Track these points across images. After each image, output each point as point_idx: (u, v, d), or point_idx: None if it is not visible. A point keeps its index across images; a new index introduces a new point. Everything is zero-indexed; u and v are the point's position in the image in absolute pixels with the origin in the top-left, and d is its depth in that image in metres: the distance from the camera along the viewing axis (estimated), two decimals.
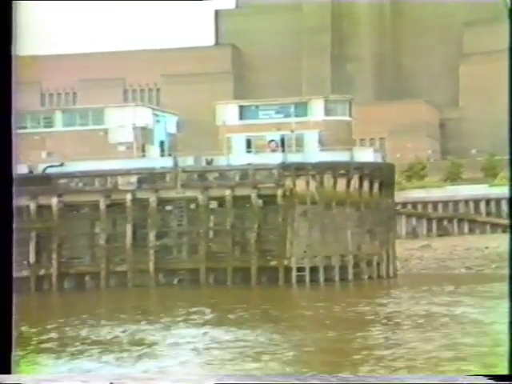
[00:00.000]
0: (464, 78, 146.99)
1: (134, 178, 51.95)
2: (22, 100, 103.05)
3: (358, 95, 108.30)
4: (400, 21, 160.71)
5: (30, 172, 55.00)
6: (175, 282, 51.56)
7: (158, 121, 55.97)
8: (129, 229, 52.29)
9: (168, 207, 52.74)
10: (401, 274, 53.24)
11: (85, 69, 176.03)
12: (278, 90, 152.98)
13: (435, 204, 77.34)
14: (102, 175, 52.51)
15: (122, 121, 54.01)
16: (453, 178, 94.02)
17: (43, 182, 54.08)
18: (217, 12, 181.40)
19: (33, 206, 54.06)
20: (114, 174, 52.35)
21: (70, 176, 53.42)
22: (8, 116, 7.62)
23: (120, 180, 52.28)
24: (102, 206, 52.63)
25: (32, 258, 54.09)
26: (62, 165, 54.48)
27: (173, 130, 58.25)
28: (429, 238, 73.28)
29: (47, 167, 54.57)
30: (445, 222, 75.61)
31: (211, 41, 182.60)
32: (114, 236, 53.55)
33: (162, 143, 56.42)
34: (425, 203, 77.69)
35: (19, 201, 54.60)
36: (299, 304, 40.96)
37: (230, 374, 20.52)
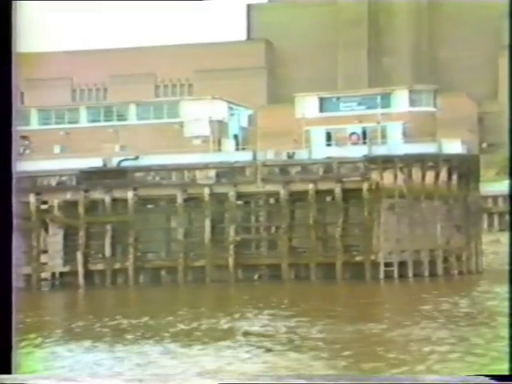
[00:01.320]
0: (503, 71, 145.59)
1: (212, 172, 51.12)
2: (53, 96, 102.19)
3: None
4: (437, 12, 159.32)
5: (104, 165, 54.41)
6: (255, 277, 50.73)
7: (232, 114, 55.16)
8: (207, 223, 51.50)
9: (247, 202, 51.96)
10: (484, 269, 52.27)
11: (116, 64, 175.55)
12: (313, 84, 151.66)
13: (495, 198, 76.23)
14: (180, 169, 51.70)
15: (198, 114, 53.20)
16: (506, 171, 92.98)
17: (118, 175, 53.39)
18: (249, 6, 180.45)
19: (108, 199, 53.43)
20: (192, 167, 51.54)
21: (147, 169, 52.68)
22: (8, 116, 7.47)
23: (198, 174, 51.47)
24: (180, 200, 51.87)
25: (108, 252, 53.50)
26: (136, 158, 53.78)
27: (245, 123, 57.39)
28: (490, 233, 72.20)
29: (122, 160, 53.88)
30: (506, 217, 74.49)
31: (242, 35, 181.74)
32: (191, 231, 52.83)
33: (235, 137, 55.58)
34: (485, 197, 76.56)
35: (94, 194, 54.16)
36: (403, 299, 40.01)
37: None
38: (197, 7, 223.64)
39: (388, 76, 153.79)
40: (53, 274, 55.05)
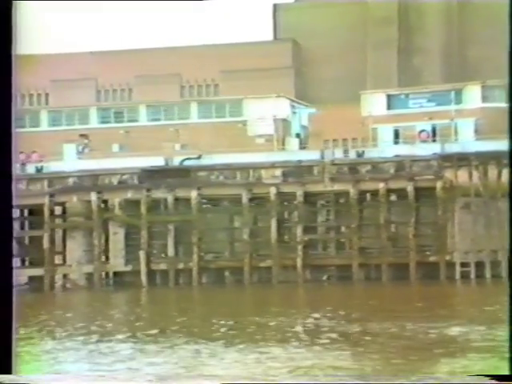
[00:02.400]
0: None
1: (278, 172, 50.39)
2: (78, 96, 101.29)
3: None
4: (467, 11, 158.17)
5: (166, 164, 53.80)
6: (324, 278, 49.96)
7: (294, 112, 54.42)
8: (273, 223, 50.78)
9: (314, 201, 51.24)
10: None
11: (141, 65, 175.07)
12: (341, 84, 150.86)
13: None
14: (245, 168, 51.00)
15: (262, 112, 52.48)
16: None
17: (181, 174, 52.76)
18: (275, 6, 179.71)
19: (170, 198, 52.82)
20: (258, 167, 50.84)
21: (211, 169, 52.01)
22: (8, 116, 7.43)
23: (264, 173, 50.75)
24: (245, 199, 51.19)
25: (170, 252, 52.90)
26: (199, 157, 53.12)
27: (305, 122, 56.65)
28: None
29: (185, 159, 53.25)
30: None
31: (268, 35, 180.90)
32: (256, 231, 52.15)
33: (298, 135, 54.83)
34: None
35: (156, 193, 53.46)
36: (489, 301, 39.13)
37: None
38: (222, 7, 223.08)
39: (418, 76, 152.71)
40: (106, 274, 54.43)
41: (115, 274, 54.17)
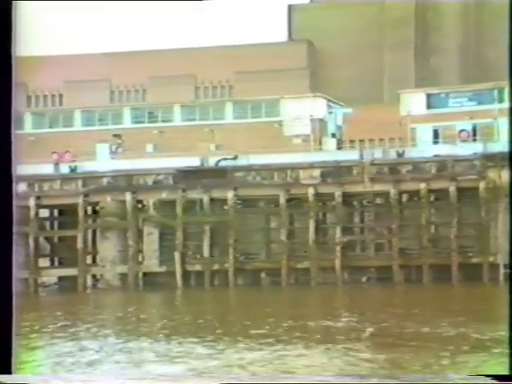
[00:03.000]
0: None
1: (317, 172, 49.92)
2: (92, 97, 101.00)
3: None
4: (484, 12, 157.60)
5: (202, 165, 53.39)
6: (364, 280, 49.48)
7: (330, 112, 53.97)
8: (311, 224, 50.31)
9: (352, 202, 50.79)
10: None
11: (155, 66, 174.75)
12: (357, 85, 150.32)
13: None
14: (282, 169, 50.54)
15: (299, 112, 52.03)
16: None
17: (218, 174, 52.33)
18: (290, 7, 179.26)
19: (206, 199, 52.40)
20: (296, 167, 50.36)
21: (248, 169, 51.56)
22: (8, 116, 7.47)
23: (302, 174, 50.28)
24: (282, 200, 50.72)
25: (206, 252, 52.47)
26: (235, 158, 52.69)
27: (340, 122, 56.21)
28: None
29: (220, 160, 52.82)
30: None
31: (283, 36, 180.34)
32: (293, 232, 51.71)
33: (333, 136, 54.37)
34: None
35: (191, 193, 53.05)
36: None
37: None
38: (235, 8, 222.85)
39: (436, 76, 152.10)
40: (138, 274, 53.98)
41: (148, 274, 53.77)
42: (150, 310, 41.88)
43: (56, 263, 60.56)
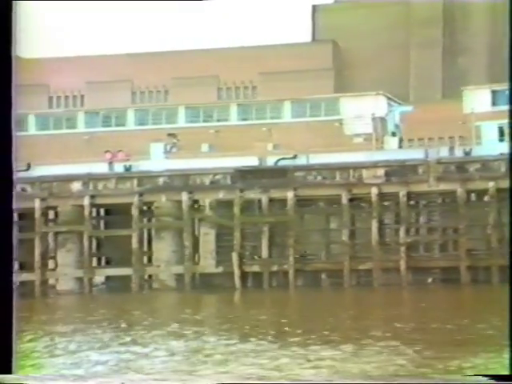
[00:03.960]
0: None
1: (381, 171, 49.11)
2: (113, 98, 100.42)
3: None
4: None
5: (260, 164, 52.71)
6: (429, 281, 48.64)
7: (390, 111, 53.22)
8: (374, 225, 49.50)
9: (416, 201, 49.98)
10: None
11: (177, 67, 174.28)
12: (383, 86, 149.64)
13: None
14: (345, 168, 49.76)
15: (360, 111, 51.25)
16: None
17: (277, 174, 51.60)
18: (314, 7, 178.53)
19: (265, 199, 51.68)
20: (358, 166, 49.59)
21: (308, 169, 50.83)
22: (8, 117, 7.46)
23: (365, 173, 49.48)
24: (344, 200, 49.93)
25: (265, 253, 51.74)
26: (295, 157, 51.96)
27: (397, 120, 55.48)
28: None
29: (279, 159, 52.11)
30: None
31: (306, 37, 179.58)
32: (354, 232, 50.92)
33: (393, 134, 53.62)
34: None
35: (249, 193, 52.30)
36: None
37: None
38: (260, 8, 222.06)
39: (463, 76, 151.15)
40: (193, 275, 53.27)
41: (202, 275, 53.06)
42: (225, 311, 41.10)
43: (103, 263, 60.05)
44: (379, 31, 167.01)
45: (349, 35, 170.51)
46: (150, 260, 56.35)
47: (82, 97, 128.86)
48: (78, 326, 34.41)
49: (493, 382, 6.83)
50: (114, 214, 57.11)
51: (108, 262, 59.39)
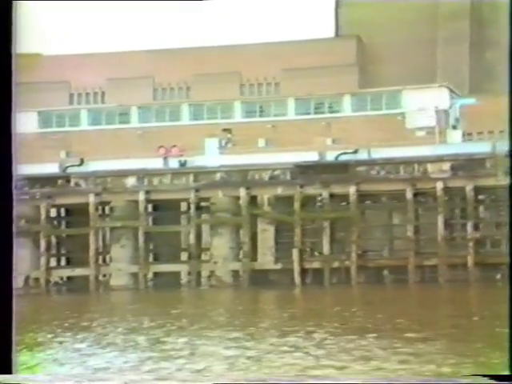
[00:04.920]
0: None
1: (446, 165, 48.22)
2: (134, 95, 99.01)
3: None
4: None
5: (320, 159, 51.90)
6: (498, 277, 47.73)
7: (452, 103, 52.31)
8: (440, 220, 48.66)
9: (482, 196, 49.12)
10: None
11: (199, 63, 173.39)
12: (408, 81, 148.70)
13: None
14: (409, 162, 48.89)
15: (423, 103, 50.34)
16: None
17: (338, 169, 50.78)
18: (337, 2, 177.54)
19: (325, 194, 50.91)
20: (423, 160, 48.72)
21: (371, 163, 50.00)
22: (8, 117, 7.49)
23: (430, 167, 48.60)
24: (409, 195, 49.09)
25: (326, 249, 50.97)
26: (356, 152, 51.14)
27: (458, 113, 54.55)
28: None
29: (340, 154, 51.29)
30: None
31: (330, 32, 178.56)
32: (419, 227, 50.09)
33: (454, 127, 52.72)
34: None
35: (309, 189, 51.43)
36: None
37: None
38: (282, 4, 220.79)
39: (491, 71, 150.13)
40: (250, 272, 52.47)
41: (258, 271, 52.29)
42: (316, 308, 40.18)
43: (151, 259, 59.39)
44: (404, 25, 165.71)
45: (373, 30, 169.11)
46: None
47: (103, 94, 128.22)
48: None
49: (493, 382, 6.56)
50: (164, 210, 56.35)
51: (156, 259, 58.68)
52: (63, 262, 58.55)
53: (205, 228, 54.65)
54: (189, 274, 55.67)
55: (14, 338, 7.39)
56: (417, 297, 44.34)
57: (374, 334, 27.11)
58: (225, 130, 55.82)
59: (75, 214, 56.79)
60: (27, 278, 54.05)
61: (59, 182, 54.92)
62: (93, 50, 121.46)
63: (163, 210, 55.83)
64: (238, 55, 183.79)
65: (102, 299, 50.52)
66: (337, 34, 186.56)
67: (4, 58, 7.66)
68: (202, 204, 53.70)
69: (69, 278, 56.68)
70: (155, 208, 56.93)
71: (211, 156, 54.01)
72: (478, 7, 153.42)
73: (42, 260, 54.24)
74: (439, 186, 48.22)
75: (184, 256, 57.26)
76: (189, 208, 54.31)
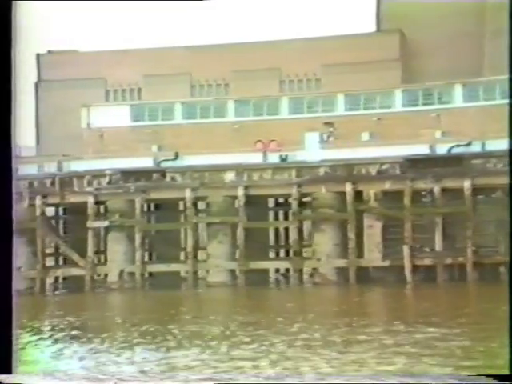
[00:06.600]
0: None
1: None
2: (171, 91, 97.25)
3: None
4: None
5: (432, 152, 50.19)
6: None
7: None
8: None
9: None
10: None
11: (237, 59, 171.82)
12: (454, 76, 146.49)
13: None
14: None
15: None
16: None
17: (451, 162, 49.04)
18: None
19: (437, 189, 49.18)
20: None
21: (488, 156, 48.23)
22: (8, 117, 7.33)
23: None
24: None
25: (438, 246, 49.25)
26: (469, 144, 49.41)
27: None
28: None
29: (453, 147, 49.60)
30: None
31: (371, 27, 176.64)
32: None
33: None
34: None
35: (419, 183, 49.66)
36: None
37: None
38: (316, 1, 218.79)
39: None
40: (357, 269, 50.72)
41: (362, 268, 50.64)
42: (458, 305, 38.56)
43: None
44: (448, 19, 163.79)
45: (416, 24, 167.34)
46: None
47: (140, 90, 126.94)
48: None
49: (493, 381, 6.65)
50: (260, 206, 54.75)
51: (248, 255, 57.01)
52: (154, 257, 57.29)
53: (306, 224, 53.08)
54: (286, 270, 54.18)
55: (14, 338, 7.45)
56: None
57: None
58: (326, 123, 54.16)
59: (167, 209, 55.43)
60: (121, 272, 52.73)
61: (154, 176, 53.45)
62: (129, 47, 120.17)
63: (258, 205, 54.18)
64: (278, 51, 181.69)
65: (203, 296, 49.19)
66: (378, 29, 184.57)
67: (4, 58, 7.63)
68: (304, 200, 52.11)
69: (159, 273, 55.21)
70: (247, 203, 55.44)
71: (312, 150, 52.32)
72: None
73: (138, 255, 52.82)
74: None
75: (281, 253, 56.31)
76: (300, 204, 52.43)
